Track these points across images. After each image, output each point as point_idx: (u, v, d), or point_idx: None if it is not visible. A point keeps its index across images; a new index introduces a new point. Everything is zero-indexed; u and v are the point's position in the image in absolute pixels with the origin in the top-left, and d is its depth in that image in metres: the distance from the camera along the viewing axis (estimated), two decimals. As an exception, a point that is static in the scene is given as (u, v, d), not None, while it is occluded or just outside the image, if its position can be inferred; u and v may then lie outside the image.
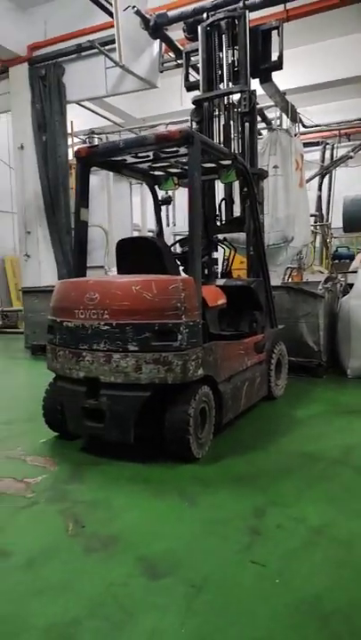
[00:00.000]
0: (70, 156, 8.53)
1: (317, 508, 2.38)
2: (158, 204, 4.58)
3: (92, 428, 3.05)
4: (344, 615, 1.65)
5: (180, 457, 2.95)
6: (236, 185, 4.65)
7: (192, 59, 5.26)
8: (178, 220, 12.36)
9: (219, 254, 4.95)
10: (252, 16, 4.81)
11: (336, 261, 10.10)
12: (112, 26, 6.01)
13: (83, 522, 2.31)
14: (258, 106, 6.43)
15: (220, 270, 4.87)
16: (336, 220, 10.89)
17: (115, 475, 2.83)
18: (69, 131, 8.55)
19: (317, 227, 10.18)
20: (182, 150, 3.45)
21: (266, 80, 5.16)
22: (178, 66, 6.55)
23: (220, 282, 4.22)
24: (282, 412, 4.02)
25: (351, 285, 5.59)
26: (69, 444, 3.33)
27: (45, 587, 1.83)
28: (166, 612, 1.68)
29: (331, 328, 5.40)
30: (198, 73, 4.86)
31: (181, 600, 1.74)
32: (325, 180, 11.19)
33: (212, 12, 4.88)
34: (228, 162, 3.73)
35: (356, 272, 5.87)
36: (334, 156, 11.13)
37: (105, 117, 10.35)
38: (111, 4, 5.85)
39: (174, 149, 3.47)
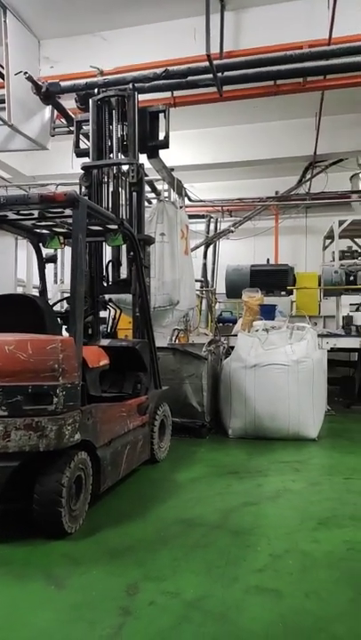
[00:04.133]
0: None
1: (193, 579, 2.30)
2: (43, 262, 4.48)
3: None
4: None
5: (51, 533, 2.71)
6: (124, 248, 4.75)
7: (83, 127, 5.44)
8: (66, 278, 12.19)
9: (107, 314, 4.92)
10: (141, 97, 5.14)
11: (220, 324, 10.60)
12: (2, 87, 6.04)
13: None
14: (148, 178, 6.80)
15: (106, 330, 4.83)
16: (221, 287, 11.57)
17: (-27, 559, 2.50)
18: None
19: (203, 292, 10.72)
20: (68, 212, 3.46)
21: (153, 156, 5.47)
22: (70, 132, 6.70)
23: (105, 342, 4.17)
24: (164, 476, 3.94)
25: (233, 348, 5.87)
26: None
27: None
28: None
29: (214, 389, 5.56)
30: (89, 141, 5.02)
31: None
32: (210, 249, 11.99)
33: (104, 89, 5.14)
34: (114, 226, 3.81)
35: (237, 335, 6.20)
36: (218, 228, 12.05)
37: (-9, 172, 10.14)
38: (3, 67, 5.92)
39: (60, 210, 3.47)
